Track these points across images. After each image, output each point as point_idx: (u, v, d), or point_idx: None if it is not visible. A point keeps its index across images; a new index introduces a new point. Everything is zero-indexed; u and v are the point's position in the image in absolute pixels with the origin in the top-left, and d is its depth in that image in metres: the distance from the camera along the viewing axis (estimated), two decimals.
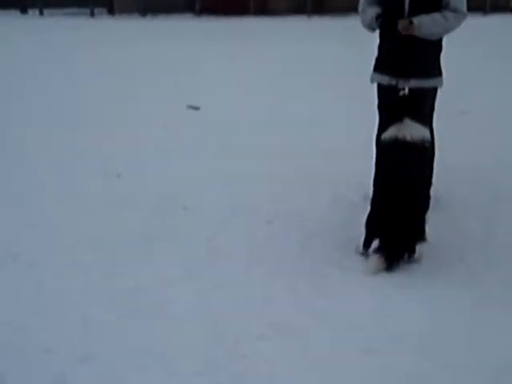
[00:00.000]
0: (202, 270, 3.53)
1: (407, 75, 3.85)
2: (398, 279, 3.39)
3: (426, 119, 3.87)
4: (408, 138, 3.52)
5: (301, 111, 7.13)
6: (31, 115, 7.42)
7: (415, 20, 3.78)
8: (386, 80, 3.99)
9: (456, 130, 6.39)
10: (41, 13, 24.18)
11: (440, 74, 4.09)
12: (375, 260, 3.47)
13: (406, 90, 3.69)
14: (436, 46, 4.02)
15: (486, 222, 4.19)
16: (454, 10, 3.88)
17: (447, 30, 3.93)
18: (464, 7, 3.93)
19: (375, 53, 4.17)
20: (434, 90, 4.08)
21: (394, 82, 3.87)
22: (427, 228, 3.58)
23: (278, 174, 5.10)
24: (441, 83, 4.09)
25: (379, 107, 4.12)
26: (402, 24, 3.78)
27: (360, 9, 4.08)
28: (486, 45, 13.78)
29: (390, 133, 3.59)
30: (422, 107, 3.74)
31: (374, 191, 3.76)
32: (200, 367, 2.66)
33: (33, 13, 23.70)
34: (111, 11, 25.43)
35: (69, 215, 4.33)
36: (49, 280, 3.40)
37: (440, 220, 4.02)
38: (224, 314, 3.06)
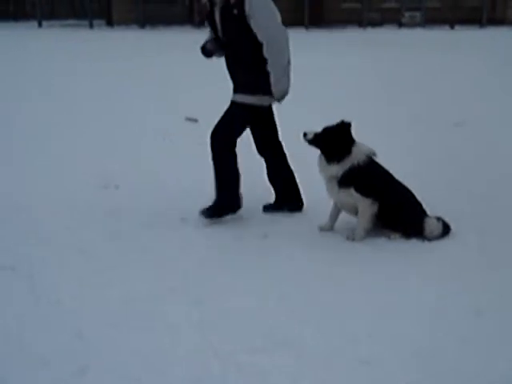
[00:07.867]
0: (196, 280, 3.54)
1: (234, 90, 4.39)
2: (395, 288, 3.42)
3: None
4: None
5: (303, 118, 7.10)
6: (31, 126, 7.45)
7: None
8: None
9: (451, 142, 6.44)
10: (39, 24, 24.33)
11: (264, 93, 4.22)
12: None
13: None
14: (253, 66, 4.17)
15: (480, 233, 4.20)
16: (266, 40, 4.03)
17: (283, 60, 4.09)
18: (270, 31, 4.04)
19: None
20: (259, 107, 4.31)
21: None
22: None
23: None
24: (264, 101, 4.29)
25: None
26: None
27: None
28: (482, 57, 13.87)
29: None
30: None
31: None
32: (195, 379, 2.67)
33: (31, 24, 23.83)
34: (110, 23, 25.59)
35: (66, 226, 4.35)
36: (45, 291, 3.41)
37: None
38: (218, 324, 3.08)
